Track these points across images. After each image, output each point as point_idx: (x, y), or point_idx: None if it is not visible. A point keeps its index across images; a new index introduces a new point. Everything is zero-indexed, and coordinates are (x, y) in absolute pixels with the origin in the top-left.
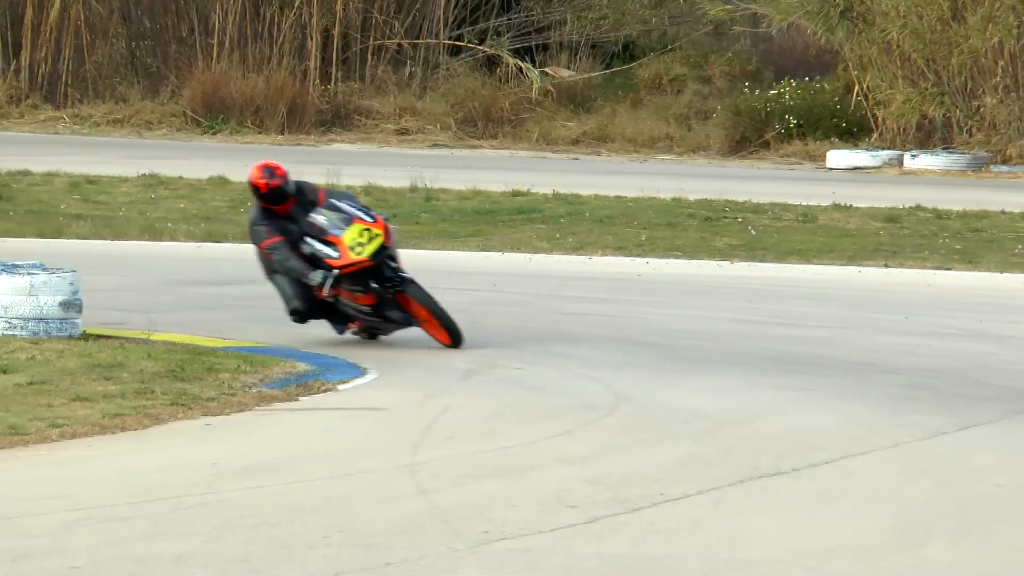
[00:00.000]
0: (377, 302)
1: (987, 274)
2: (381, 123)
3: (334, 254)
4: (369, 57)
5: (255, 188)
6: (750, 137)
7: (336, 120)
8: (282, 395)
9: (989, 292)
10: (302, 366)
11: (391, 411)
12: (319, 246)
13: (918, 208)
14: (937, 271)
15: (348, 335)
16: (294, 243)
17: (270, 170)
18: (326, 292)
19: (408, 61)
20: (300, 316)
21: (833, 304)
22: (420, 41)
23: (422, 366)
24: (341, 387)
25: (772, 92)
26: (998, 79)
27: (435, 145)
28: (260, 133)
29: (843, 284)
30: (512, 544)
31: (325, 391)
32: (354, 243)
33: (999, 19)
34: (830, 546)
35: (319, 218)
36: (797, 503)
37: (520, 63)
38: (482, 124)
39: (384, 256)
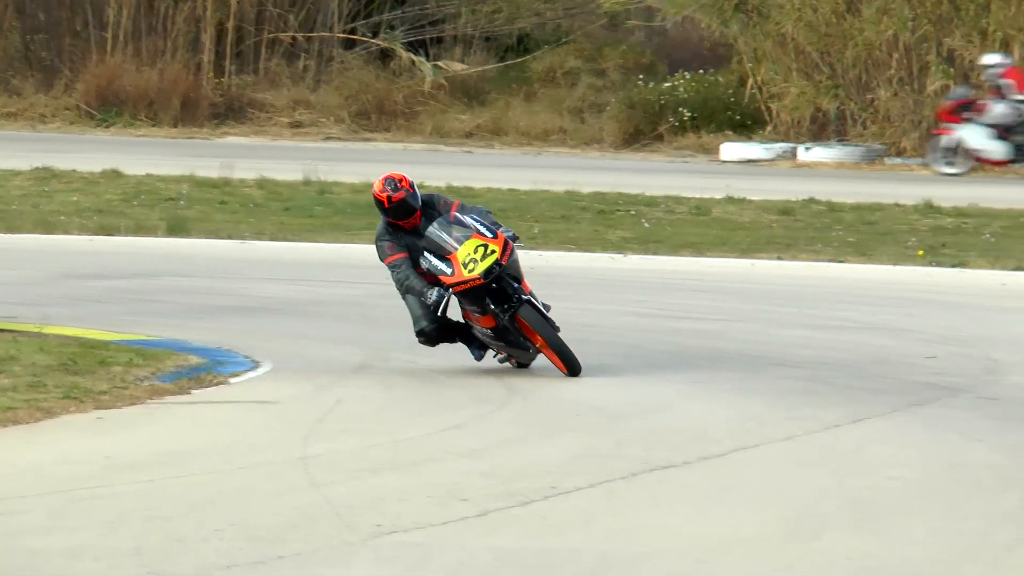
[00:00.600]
0: (497, 325)
1: (881, 267)
2: (275, 116)
3: (448, 271)
4: (263, 50)
5: (378, 202)
6: (644, 130)
7: (230, 113)
8: (174, 388)
9: (883, 285)
10: (194, 359)
11: (283, 404)
12: (436, 262)
13: (812, 201)
14: (831, 264)
15: (500, 362)
16: (417, 260)
17: (393, 182)
18: (439, 312)
19: (302, 54)
20: (427, 338)
21: (727, 297)
22: (314, 34)
23: (314, 359)
24: (233, 380)
25: (666, 85)
26: (892, 72)
27: (329, 138)
28: (154, 126)
29: (737, 277)
30: (405, 537)
31: (217, 384)
32: (467, 259)
33: (894, 12)
34: (723, 539)
35: (438, 232)
36: (690, 496)
37: (413, 56)
38: (376, 117)
39: (501, 274)
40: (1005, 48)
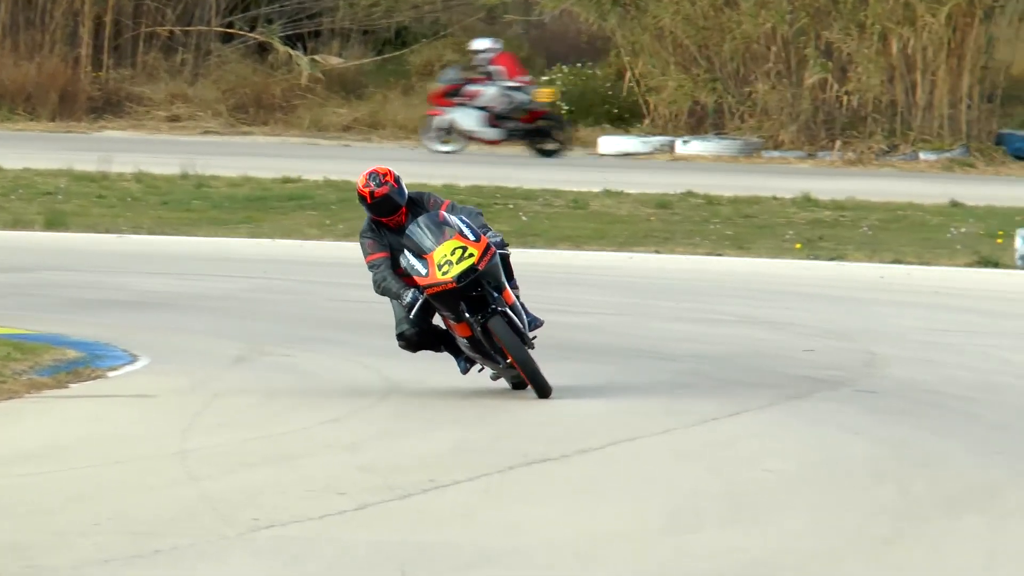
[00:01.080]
0: (472, 334)
1: (759, 260)
2: (152, 110)
3: (423, 271)
4: (141, 44)
5: (361, 197)
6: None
7: (108, 107)
8: (52, 382)
9: (760, 278)
10: (72, 353)
11: (161, 398)
12: (413, 261)
13: (690, 194)
14: (709, 257)
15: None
16: (398, 260)
17: (377, 177)
18: (411, 314)
19: (179, 48)
20: (407, 343)
21: (604, 290)
22: (191, 28)
23: (193, 352)
24: (111, 374)
25: (544, 78)
26: (770, 65)
27: (207, 132)
28: (32, 120)
29: (615, 270)
30: (282, 531)
31: (95, 378)
32: (443, 261)
33: (772, 5)
34: (601, 532)
35: (418, 229)
36: (567, 490)
37: (290, 50)
38: (253, 111)
39: (480, 281)
40: (883, 41)
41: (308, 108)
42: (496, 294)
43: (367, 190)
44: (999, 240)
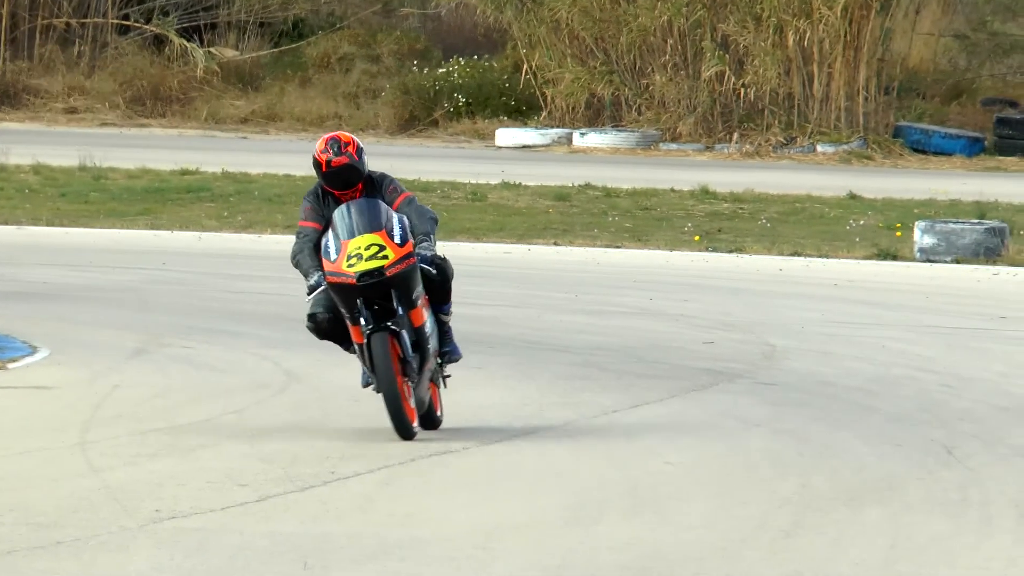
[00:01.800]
0: (362, 343)
1: (657, 252)
2: (50, 102)
3: (333, 257)
4: (38, 36)
5: (316, 163)
6: (419, 116)
7: (4, 99)
8: None
9: (659, 270)
10: None
11: (61, 390)
12: (330, 243)
13: (588, 186)
14: (607, 249)
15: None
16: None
17: (338, 144)
18: (308, 301)
19: (76, 40)
20: (316, 327)
21: (503, 283)
22: (88, 20)
23: (92, 344)
24: (11, 365)
25: (441, 71)
26: (667, 57)
27: (104, 124)
28: None
29: (513, 263)
30: (184, 523)
31: None
32: (354, 252)
33: None
34: (501, 524)
35: (346, 211)
36: (468, 481)
37: (186, 42)
38: (151, 103)
39: (385, 285)
40: (780, 34)
41: (205, 100)
42: (401, 310)
43: (324, 157)
44: (897, 233)
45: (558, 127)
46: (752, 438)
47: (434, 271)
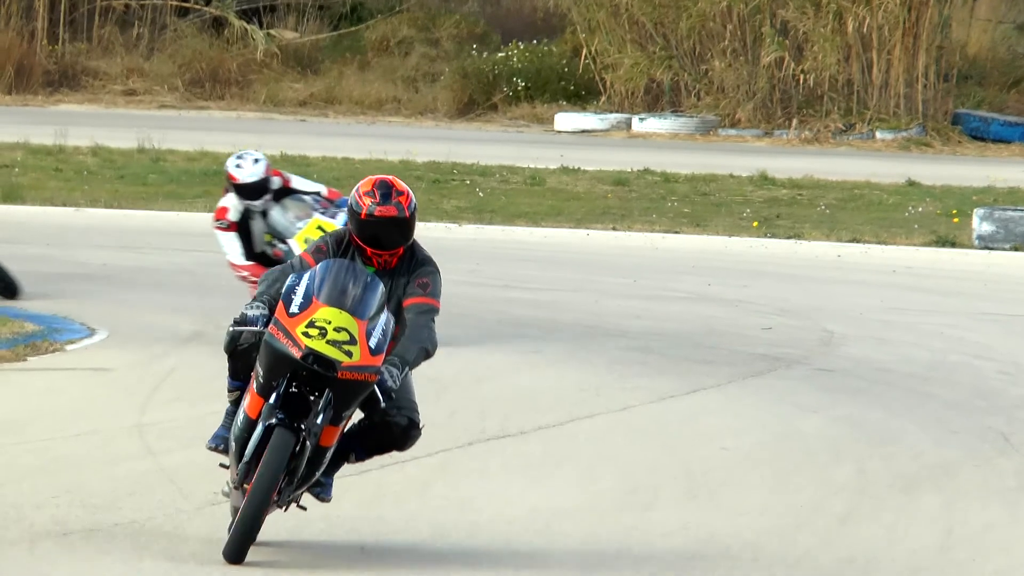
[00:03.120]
0: (255, 418)
1: (715, 237)
2: (108, 84)
3: (293, 311)
4: (96, 18)
5: (353, 208)
6: (478, 100)
7: (64, 81)
8: (10, 355)
9: (717, 255)
10: (30, 326)
11: (119, 372)
12: (299, 293)
13: (646, 172)
14: (665, 235)
15: None
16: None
17: (388, 190)
18: (232, 332)
19: (135, 22)
20: (230, 341)
21: (561, 267)
22: (147, 2)
23: (149, 327)
24: (69, 347)
25: (500, 55)
26: (726, 43)
27: (163, 106)
28: None
29: (571, 247)
30: None
31: (53, 351)
32: (320, 323)
33: None
34: (557, 508)
35: (347, 269)
36: (524, 466)
37: (246, 25)
38: (209, 85)
39: (323, 381)
40: (839, 20)
41: (264, 83)
42: (321, 419)
43: (367, 202)
44: (955, 220)
45: (617, 112)
46: (808, 424)
47: (382, 403)
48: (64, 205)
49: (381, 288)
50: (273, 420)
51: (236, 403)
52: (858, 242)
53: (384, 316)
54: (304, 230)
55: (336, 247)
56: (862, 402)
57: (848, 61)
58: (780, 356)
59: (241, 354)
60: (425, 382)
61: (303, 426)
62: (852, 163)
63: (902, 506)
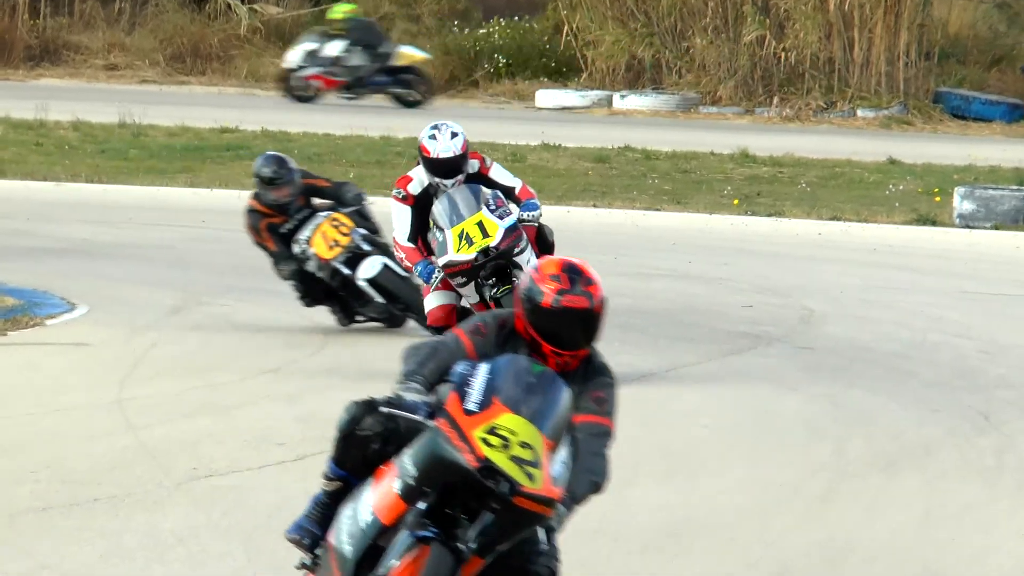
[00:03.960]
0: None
1: (696, 215)
2: (90, 59)
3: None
4: None
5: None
6: (459, 76)
7: (45, 55)
8: None
9: (698, 233)
10: (10, 300)
11: (99, 347)
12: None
13: (627, 148)
14: (646, 212)
15: None
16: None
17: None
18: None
19: None
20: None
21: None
22: None
23: (129, 302)
24: (49, 322)
25: (481, 32)
26: (708, 20)
27: (144, 81)
28: None
29: (551, 224)
30: (220, 481)
31: (33, 326)
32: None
33: None
34: None
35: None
36: None
37: (228, 0)
38: (191, 60)
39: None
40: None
41: (245, 58)
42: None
43: (552, 288)
44: (936, 198)
45: (598, 89)
46: (788, 403)
47: (543, 545)
48: (45, 180)
49: (569, 400)
50: (428, 534)
51: (333, 495)
52: (839, 220)
53: (566, 450)
54: (463, 222)
55: (498, 332)
56: (842, 381)
57: (829, 39)
58: (760, 334)
59: (358, 441)
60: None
61: (459, 547)
62: (833, 141)
63: (881, 485)
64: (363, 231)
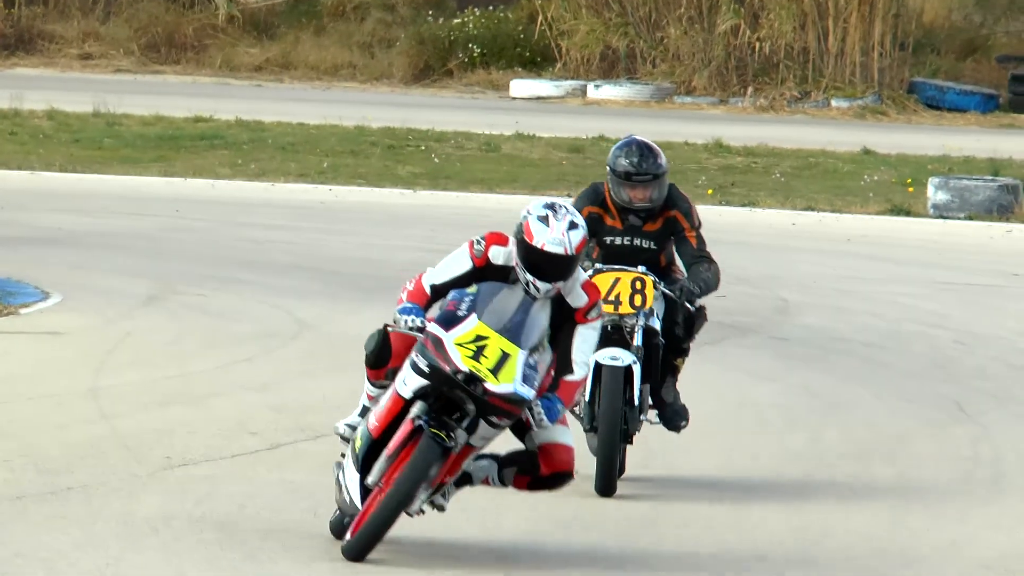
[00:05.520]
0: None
1: None
2: (64, 47)
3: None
4: None
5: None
6: (434, 66)
7: (20, 44)
8: None
9: None
10: None
11: (73, 336)
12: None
13: (601, 138)
14: None
15: None
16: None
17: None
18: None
19: None
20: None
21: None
22: None
23: (104, 291)
24: (23, 311)
25: (456, 21)
26: (682, 10)
27: (119, 70)
28: None
29: None
30: (193, 470)
31: (7, 315)
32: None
33: None
34: None
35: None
36: None
37: None
38: (165, 50)
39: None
40: None
41: (220, 48)
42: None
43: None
44: (910, 188)
45: (572, 79)
46: (763, 392)
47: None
48: (19, 169)
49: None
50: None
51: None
52: (813, 210)
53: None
54: (494, 333)
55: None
56: (817, 370)
57: (804, 29)
58: (735, 324)
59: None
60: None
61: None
62: (807, 131)
63: (856, 474)
64: None
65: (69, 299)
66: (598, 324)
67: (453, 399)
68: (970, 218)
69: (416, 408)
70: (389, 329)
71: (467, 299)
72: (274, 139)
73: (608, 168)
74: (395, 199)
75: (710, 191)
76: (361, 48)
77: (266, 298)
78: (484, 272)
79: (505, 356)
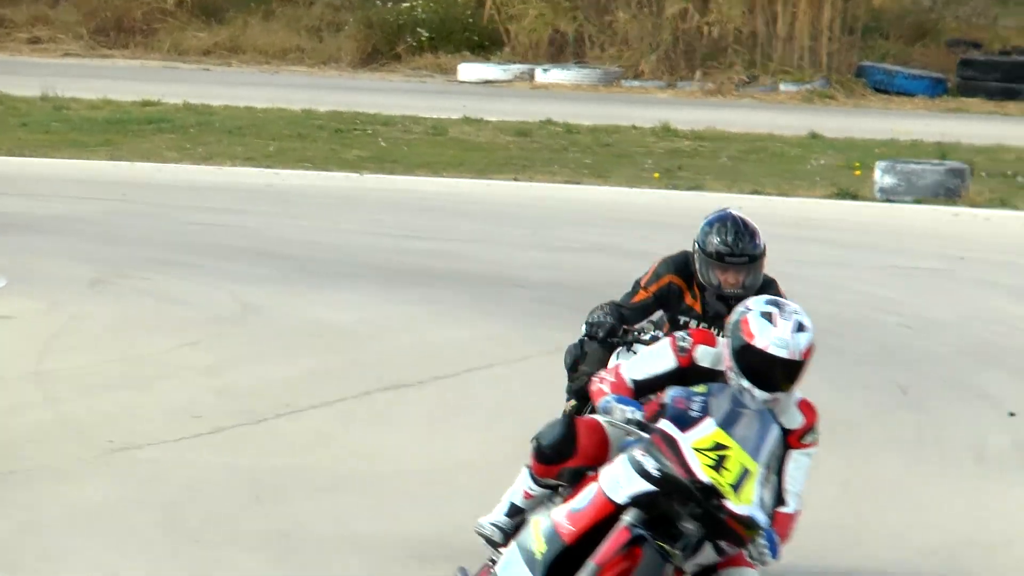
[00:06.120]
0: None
1: (617, 189)
2: (13, 32)
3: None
4: None
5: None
6: (382, 50)
7: None
8: None
9: (619, 207)
10: None
11: (18, 319)
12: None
13: (549, 122)
14: (567, 185)
15: None
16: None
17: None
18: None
19: None
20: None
21: (463, 218)
22: None
23: (50, 274)
24: None
25: (404, 5)
26: None
27: (67, 55)
28: None
29: (473, 197)
30: (137, 454)
31: None
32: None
33: None
34: (454, 459)
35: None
36: (422, 416)
37: None
38: (114, 34)
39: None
40: None
41: (168, 32)
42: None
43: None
44: (857, 172)
45: (520, 63)
46: None
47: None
48: None
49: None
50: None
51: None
52: (760, 194)
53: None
54: (736, 444)
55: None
56: None
57: (752, 13)
58: None
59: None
60: (325, 331)
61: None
62: (755, 115)
63: None
64: None
65: (15, 282)
66: (813, 451)
67: (669, 513)
68: (917, 202)
69: (630, 515)
70: (578, 417)
71: (697, 399)
72: (221, 123)
73: (695, 244)
74: (341, 183)
75: (656, 175)
76: (309, 32)
77: (212, 282)
78: (686, 374)
79: (746, 472)
